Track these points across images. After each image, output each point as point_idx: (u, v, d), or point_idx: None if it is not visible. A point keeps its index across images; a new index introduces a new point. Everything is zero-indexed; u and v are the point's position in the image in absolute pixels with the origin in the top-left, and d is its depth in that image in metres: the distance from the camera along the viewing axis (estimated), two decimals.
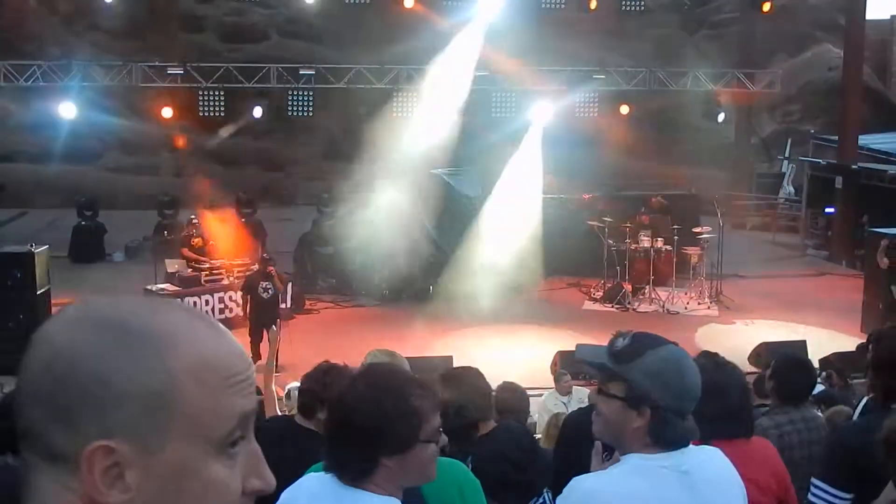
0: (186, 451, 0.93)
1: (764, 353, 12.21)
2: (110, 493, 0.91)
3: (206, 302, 14.77)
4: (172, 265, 15.62)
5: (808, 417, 4.20)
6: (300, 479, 2.31)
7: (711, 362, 2.94)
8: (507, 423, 3.98)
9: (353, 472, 2.15)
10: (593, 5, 21.19)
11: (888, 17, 30.53)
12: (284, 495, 2.31)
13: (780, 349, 9.69)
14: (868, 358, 3.36)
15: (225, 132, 22.29)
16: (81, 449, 0.91)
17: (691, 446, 2.27)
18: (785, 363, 4.40)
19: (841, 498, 3.13)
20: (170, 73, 19.11)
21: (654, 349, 2.26)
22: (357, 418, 2.15)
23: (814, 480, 3.19)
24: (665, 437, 2.24)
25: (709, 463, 2.28)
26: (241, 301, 13.90)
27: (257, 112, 20.63)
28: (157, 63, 19.61)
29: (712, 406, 2.68)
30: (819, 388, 8.66)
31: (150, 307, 0.98)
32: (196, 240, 15.58)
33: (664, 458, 2.21)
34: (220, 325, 1.01)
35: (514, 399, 4.94)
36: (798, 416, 4.15)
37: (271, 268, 12.99)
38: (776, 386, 4.30)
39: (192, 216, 15.85)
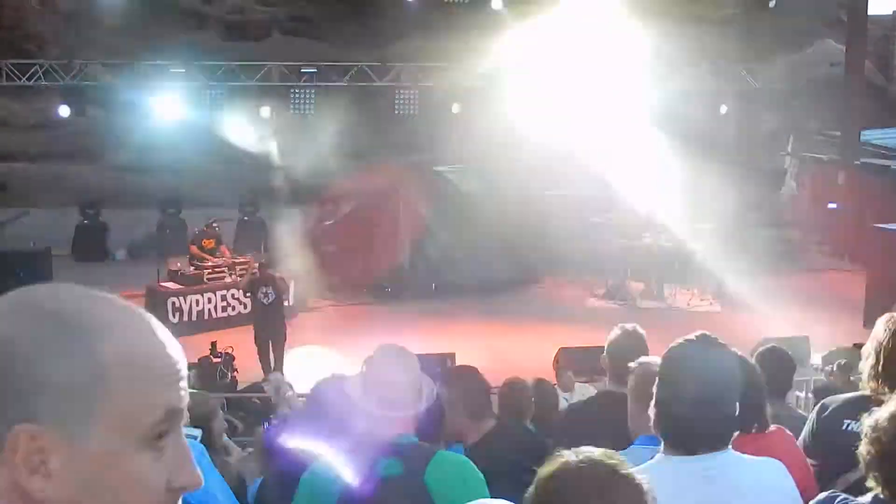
0: (111, 440, 0.94)
1: None
2: (32, 479, 0.92)
3: (209, 300, 14.75)
4: (175, 263, 15.63)
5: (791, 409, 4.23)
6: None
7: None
8: (505, 424, 3.91)
9: None
10: None
11: (890, 12, 30.43)
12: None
13: (782, 345, 9.67)
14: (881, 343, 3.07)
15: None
16: (6, 432, 0.91)
17: (731, 452, 2.21)
18: (764, 356, 4.44)
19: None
20: (172, 72, 19.09)
21: (673, 347, 2.27)
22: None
23: None
24: (667, 435, 2.22)
25: (748, 472, 2.20)
26: (242, 298, 13.91)
27: (265, 112, 20.32)
28: (158, 62, 19.60)
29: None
30: (822, 381, 8.68)
31: (87, 298, 0.99)
32: (207, 241, 15.53)
33: (692, 461, 2.17)
34: (156, 320, 1.02)
35: (514, 396, 4.66)
36: (785, 413, 4.17)
37: (271, 272, 12.94)
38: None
39: (213, 219, 15.84)
